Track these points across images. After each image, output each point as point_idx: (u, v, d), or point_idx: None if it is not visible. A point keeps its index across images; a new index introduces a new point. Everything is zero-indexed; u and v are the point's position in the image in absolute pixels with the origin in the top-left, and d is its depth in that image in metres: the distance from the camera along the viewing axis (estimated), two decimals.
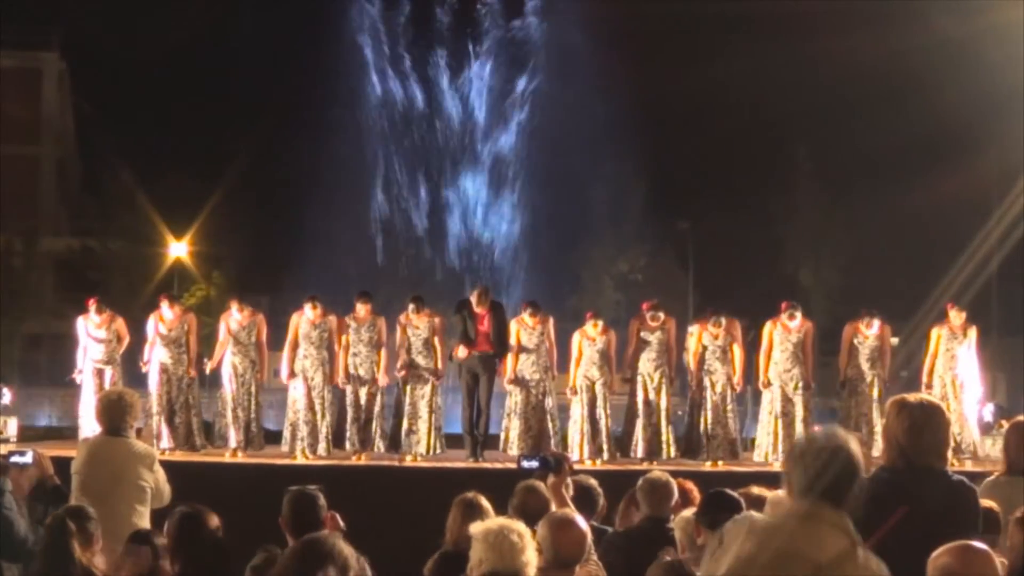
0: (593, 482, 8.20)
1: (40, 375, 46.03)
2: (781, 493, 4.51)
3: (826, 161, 46.49)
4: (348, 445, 15.69)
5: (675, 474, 8.36)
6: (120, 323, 16.53)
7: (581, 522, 6.02)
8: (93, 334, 16.25)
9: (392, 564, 7.19)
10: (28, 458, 8.19)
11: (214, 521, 6.79)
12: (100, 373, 16.13)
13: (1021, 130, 31.62)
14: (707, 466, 15.25)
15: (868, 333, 16.09)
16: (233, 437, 15.79)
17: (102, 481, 8.46)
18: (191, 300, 40.50)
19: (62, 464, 8.68)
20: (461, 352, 15.72)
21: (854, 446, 4.28)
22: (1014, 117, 32.47)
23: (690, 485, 8.38)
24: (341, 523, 7.13)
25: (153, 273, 43.97)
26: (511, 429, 15.81)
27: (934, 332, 16.35)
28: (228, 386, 15.94)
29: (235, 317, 16.09)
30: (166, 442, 15.72)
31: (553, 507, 6.95)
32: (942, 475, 5.39)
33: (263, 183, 50.90)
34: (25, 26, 50.41)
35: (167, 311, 16.21)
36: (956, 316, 16.37)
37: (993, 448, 16.67)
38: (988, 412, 20.04)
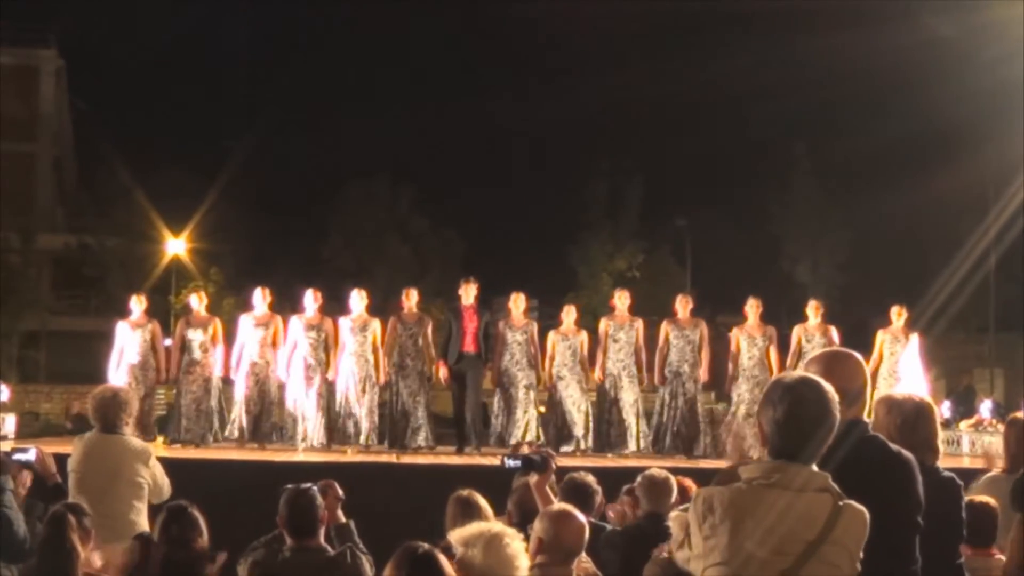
0: (590, 479, 8.19)
1: (38, 372, 46.03)
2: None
3: (824, 158, 46.46)
4: (342, 442, 16.14)
5: (674, 471, 8.37)
6: (156, 325, 16.93)
7: (579, 514, 6.02)
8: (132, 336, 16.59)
9: (388, 559, 7.19)
10: (31, 455, 8.17)
11: (199, 521, 6.79)
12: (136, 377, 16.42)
13: (1018, 126, 31.62)
14: (703, 462, 15.35)
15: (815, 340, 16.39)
16: (238, 431, 16.28)
17: (99, 478, 8.44)
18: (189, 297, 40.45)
19: (59, 461, 8.66)
20: (442, 373, 16.25)
21: (836, 401, 4.25)
22: (1011, 113, 32.48)
23: (688, 482, 8.39)
24: (340, 493, 7.11)
25: (151, 270, 43.90)
26: (503, 425, 16.23)
27: (879, 336, 16.69)
28: (243, 383, 16.36)
29: (255, 311, 16.56)
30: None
31: (540, 506, 6.95)
32: (932, 471, 5.38)
33: (261, 178, 50.99)
34: (22, 23, 50.41)
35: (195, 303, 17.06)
36: (897, 317, 16.73)
37: (990, 446, 16.79)
38: (986, 409, 20.09)
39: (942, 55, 36.96)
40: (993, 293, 39.60)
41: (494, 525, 5.65)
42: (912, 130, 41.82)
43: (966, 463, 15.16)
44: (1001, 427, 17.18)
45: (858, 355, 5.12)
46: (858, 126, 46.04)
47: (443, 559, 4.87)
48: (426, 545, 5.01)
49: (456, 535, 5.38)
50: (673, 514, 5.29)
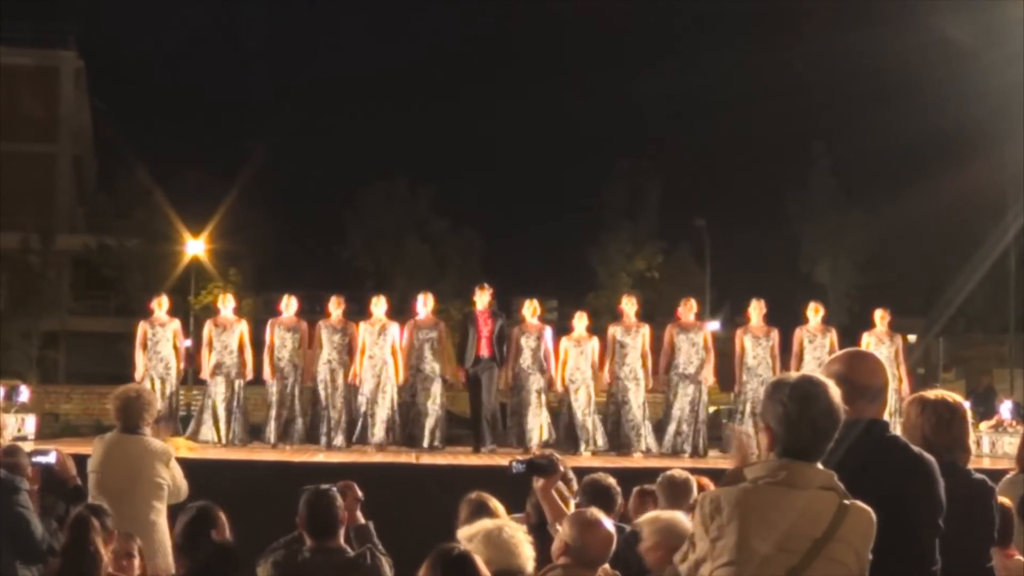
0: (611, 480, 8.19)
1: (57, 373, 46.13)
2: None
3: (843, 157, 46.37)
4: (363, 443, 16.63)
5: (694, 471, 8.38)
6: (178, 325, 17.26)
7: (608, 523, 6.00)
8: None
9: (407, 560, 7.20)
10: (51, 458, 8.16)
11: (222, 521, 6.83)
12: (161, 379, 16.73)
13: None
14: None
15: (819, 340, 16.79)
16: (273, 433, 16.75)
17: (119, 479, 8.45)
18: (208, 298, 40.53)
19: (79, 461, 8.67)
20: (450, 375, 16.94)
21: (840, 398, 4.25)
22: None
23: (706, 481, 8.39)
24: (359, 493, 7.13)
25: (170, 271, 43.93)
26: (517, 427, 16.76)
27: (864, 339, 16.93)
28: (273, 385, 16.85)
29: (285, 316, 17.03)
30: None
31: (546, 510, 6.94)
32: (964, 473, 5.37)
33: (280, 179, 51.07)
34: (42, 25, 50.56)
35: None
36: (880, 320, 17.13)
37: (1010, 447, 16.87)
38: (1006, 409, 20.05)
39: (963, 53, 36.88)
40: (1013, 293, 39.45)
41: (496, 520, 5.70)
42: (932, 129, 41.73)
43: (986, 464, 15.15)
44: (1021, 428, 17.20)
45: (877, 355, 5.11)
46: (878, 125, 45.91)
47: (478, 561, 4.90)
48: (461, 547, 5.04)
49: (460, 533, 5.43)
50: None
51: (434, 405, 16.61)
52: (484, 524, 5.72)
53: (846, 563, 4.08)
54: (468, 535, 5.51)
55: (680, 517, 6.61)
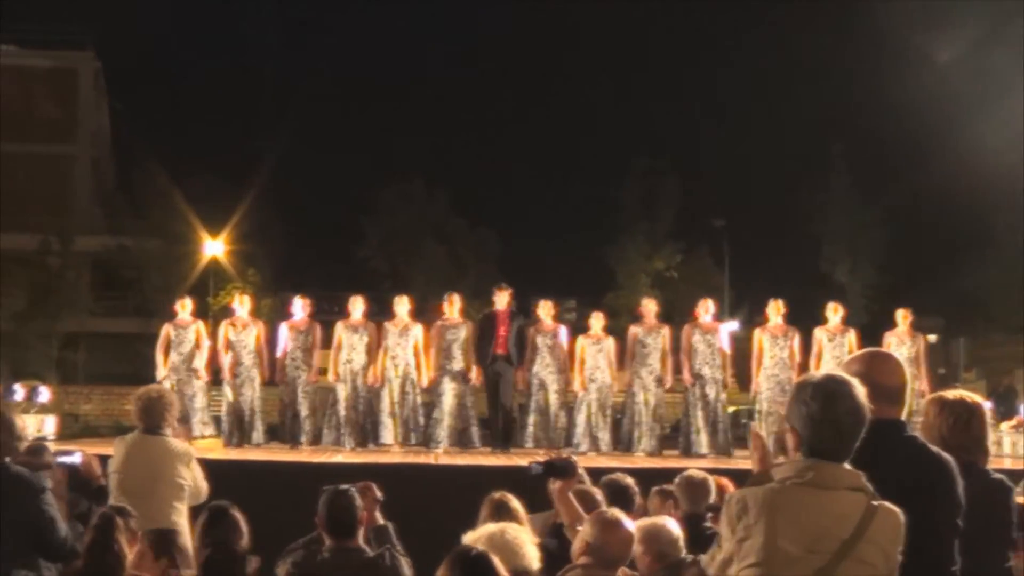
0: (630, 481, 8.19)
1: (76, 373, 46.20)
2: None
3: (861, 157, 46.21)
4: (384, 443, 16.71)
5: (713, 471, 8.38)
6: (201, 326, 17.44)
7: (628, 523, 6.01)
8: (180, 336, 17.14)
9: (426, 560, 7.21)
10: (76, 458, 8.16)
11: (236, 520, 6.86)
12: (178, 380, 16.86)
13: None
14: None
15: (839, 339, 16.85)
16: (289, 434, 16.96)
17: (140, 479, 8.47)
18: (226, 299, 40.51)
19: (99, 462, 8.69)
20: (474, 375, 16.90)
21: (865, 397, 4.22)
22: None
23: (725, 482, 8.40)
24: (378, 494, 7.12)
25: (188, 272, 43.95)
26: (530, 425, 16.91)
27: (885, 338, 16.97)
28: (286, 386, 17.03)
29: (296, 317, 17.18)
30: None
31: (562, 513, 6.94)
32: (983, 473, 5.36)
33: (298, 180, 51.13)
34: (60, 26, 50.65)
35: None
36: (903, 320, 17.17)
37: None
38: (1021, 410, 20.05)
39: (977, 52, 36.81)
40: None
41: (501, 524, 5.74)
42: (951, 127, 41.58)
43: (1007, 464, 15.14)
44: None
45: (898, 355, 5.09)
46: (896, 125, 45.78)
47: (496, 562, 4.91)
48: (479, 547, 5.05)
49: (465, 538, 5.47)
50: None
51: (464, 406, 16.77)
52: (488, 528, 5.78)
53: (875, 564, 4.07)
54: (473, 539, 5.55)
55: (666, 522, 6.62)
